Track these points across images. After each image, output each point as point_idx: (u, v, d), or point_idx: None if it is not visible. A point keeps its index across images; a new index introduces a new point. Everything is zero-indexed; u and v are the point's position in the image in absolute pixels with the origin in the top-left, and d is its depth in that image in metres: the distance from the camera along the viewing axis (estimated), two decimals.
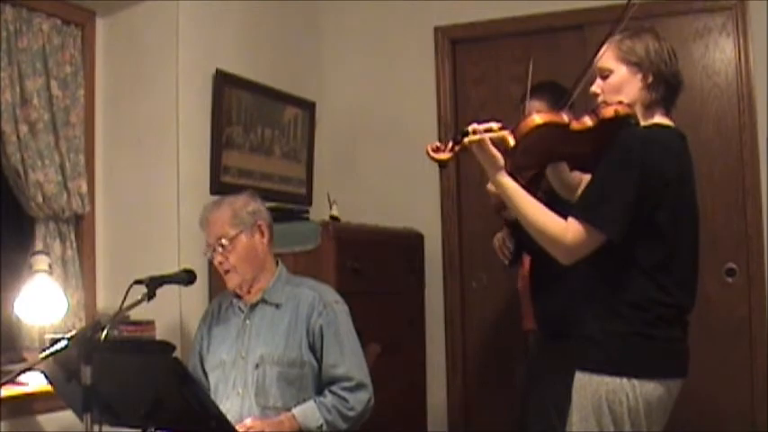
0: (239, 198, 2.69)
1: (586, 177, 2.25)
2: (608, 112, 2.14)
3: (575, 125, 2.15)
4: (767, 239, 3.70)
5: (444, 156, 2.12)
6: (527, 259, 3.29)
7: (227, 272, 2.62)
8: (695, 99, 3.74)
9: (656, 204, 2.08)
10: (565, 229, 2.09)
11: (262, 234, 2.66)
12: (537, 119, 2.12)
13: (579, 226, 2.08)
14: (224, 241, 2.59)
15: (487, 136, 2.12)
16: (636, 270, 2.10)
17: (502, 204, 2.77)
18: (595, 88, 2.23)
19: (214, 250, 2.61)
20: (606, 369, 2.07)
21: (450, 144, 2.13)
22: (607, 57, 2.21)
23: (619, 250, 2.08)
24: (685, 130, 2.23)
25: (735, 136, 3.76)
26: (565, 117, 2.15)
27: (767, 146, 3.69)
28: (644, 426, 2.07)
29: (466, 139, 2.11)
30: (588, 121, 2.15)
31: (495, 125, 2.15)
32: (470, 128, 2.13)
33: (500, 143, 2.12)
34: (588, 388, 2.09)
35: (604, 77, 2.21)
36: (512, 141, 2.11)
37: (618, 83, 2.18)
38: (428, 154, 2.13)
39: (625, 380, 2.05)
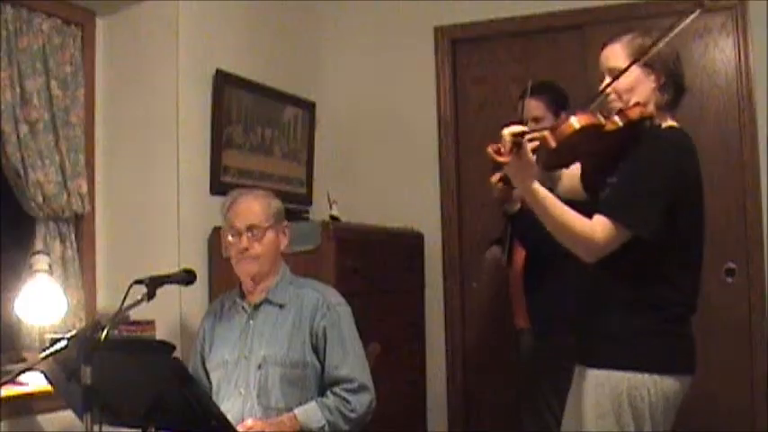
0: (270, 195, 2.72)
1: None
2: (634, 113, 2.13)
3: (609, 126, 2.12)
4: (767, 239, 3.71)
5: (506, 159, 2.04)
6: (519, 257, 3.29)
7: (248, 258, 2.61)
8: (695, 99, 3.73)
9: (680, 205, 2.09)
10: (592, 228, 2.07)
11: (284, 235, 2.70)
12: (575, 122, 2.06)
13: (610, 224, 2.06)
14: (255, 230, 2.61)
15: (531, 136, 2.06)
16: (655, 270, 2.10)
17: (505, 197, 2.76)
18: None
19: (240, 235, 2.61)
20: (628, 365, 2.07)
21: (509, 146, 2.03)
22: (619, 56, 2.18)
23: (639, 250, 2.07)
24: (685, 130, 2.23)
25: (735, 136, 3.76)
26: (601, 118, 2.12)
27: (767, 146, 3.69)
28: (660, 422, 2.08)
29: (527, 137, 2.03)
30: (618, 122, 2.13)
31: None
32: (520, 128, 2.04)
33: (542, 144, 2.07)
34: (607, 385, 2.09)
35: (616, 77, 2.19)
36: (553, 143, 2.07)
37: (630, 83, 2.16)
38: (490, 156, 2.04)
39: (647, 375, 2.06)
